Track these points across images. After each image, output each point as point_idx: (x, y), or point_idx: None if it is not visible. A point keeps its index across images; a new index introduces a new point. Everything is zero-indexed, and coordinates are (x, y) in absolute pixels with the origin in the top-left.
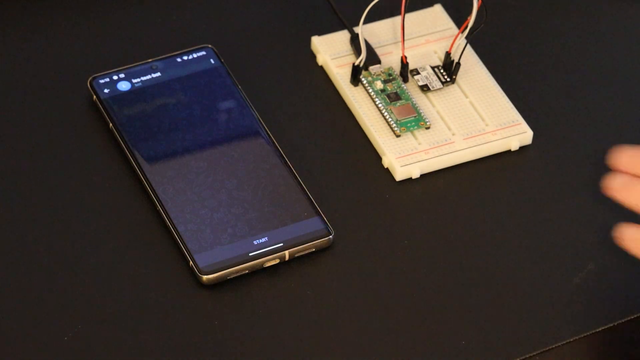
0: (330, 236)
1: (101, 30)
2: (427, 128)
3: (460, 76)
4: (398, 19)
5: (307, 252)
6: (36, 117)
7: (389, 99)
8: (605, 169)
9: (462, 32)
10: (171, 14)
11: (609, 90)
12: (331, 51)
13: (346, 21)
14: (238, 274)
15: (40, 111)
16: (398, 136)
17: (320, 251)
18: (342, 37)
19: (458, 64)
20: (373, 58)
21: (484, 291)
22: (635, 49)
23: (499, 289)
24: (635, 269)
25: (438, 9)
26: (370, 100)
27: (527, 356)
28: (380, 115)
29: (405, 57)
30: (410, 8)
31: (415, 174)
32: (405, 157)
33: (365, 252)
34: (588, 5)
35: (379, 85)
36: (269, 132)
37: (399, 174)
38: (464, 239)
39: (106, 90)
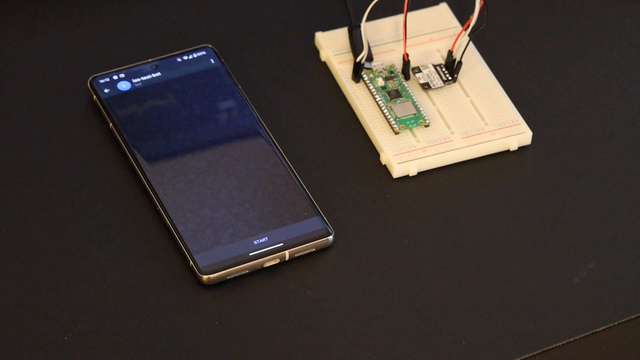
0: (330, 236)
1: (101, 30)
2: (427, 126)
3: (462, 75)
4: (401, 16)
5: (307, 252)
6: (36, 117)
7: (389, 96)
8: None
9: (465, 31)
10: (171, 14)
11: (609, 91)
12: (334, 47)
13: (353, 15)
14: (238, 274)
15: (41, 111)
16: (397, 133)
17: (320, 251)
18: (346, 34)
19: (460, 62)
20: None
21: (484, 291)
22: (635, 49)
23: (499, 289)
24: (635, 269)
25: (443, 7)
26: (371, 97)
27: (527, 356)
28: (380, 112)
29: (407, 55)
30: (416, 6)
31: (413, 172)
32: (403, 155)
33: (365, 251)
34: (589, 5)
35: (380, 82)
36: (269, 132)
37: (396, 171)
38: (463, 239)
39: (106, 90)
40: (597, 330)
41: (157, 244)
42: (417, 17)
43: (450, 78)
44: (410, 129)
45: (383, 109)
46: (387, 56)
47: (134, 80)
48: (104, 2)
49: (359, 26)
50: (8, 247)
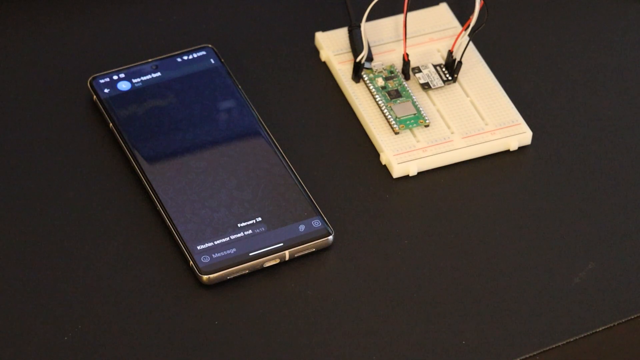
0: (330, 236)
1: (101, 30)
2: (427, 126)
3: (462, 75)
4: (401, 16)
5: (307, 252)
6: (36, 117)
7: (389, 96)
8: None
9: (465, 31)
10: (171, 14)
11: (609, 91)
12: (334, 47)
13: (353, 15)
14: (238, 274)
15: (41, 111)
16: (397, 133)
17: (320, 251)
18: (346, 34)
19: (460, 62)
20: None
21: (484, 291)
22: (636, 49)
23: (499, 289)
24: (635, 269)
25: (443, 7)
26: (371, 97)
27: (527, 356)
28: (380, 112)
29: (407, 55)
30: (416, 6)
31: (413, 172)
32: (403, 155)
33: (365, 251)
34: (589, 5)
35: (380, 82)
36: (269, 132)
37: (396, 171)
38: (463, 239)
39: (106, 90)
40: (597, 330)
41: (157, 244)
42: (417, 17)
43: (450, 78)
44: (410, 129)
45: (383, 109)
46: (387, 56)
47: (134, 80)
48: (104, 2)
49: (359, 26)
50: (8, 247)
